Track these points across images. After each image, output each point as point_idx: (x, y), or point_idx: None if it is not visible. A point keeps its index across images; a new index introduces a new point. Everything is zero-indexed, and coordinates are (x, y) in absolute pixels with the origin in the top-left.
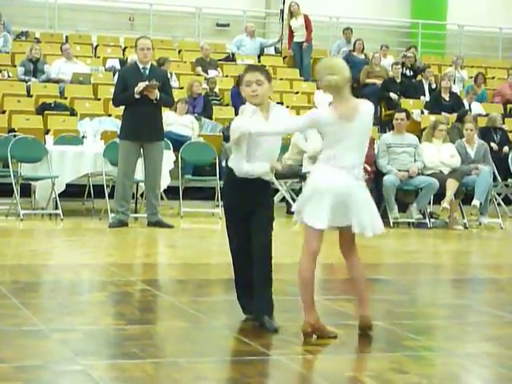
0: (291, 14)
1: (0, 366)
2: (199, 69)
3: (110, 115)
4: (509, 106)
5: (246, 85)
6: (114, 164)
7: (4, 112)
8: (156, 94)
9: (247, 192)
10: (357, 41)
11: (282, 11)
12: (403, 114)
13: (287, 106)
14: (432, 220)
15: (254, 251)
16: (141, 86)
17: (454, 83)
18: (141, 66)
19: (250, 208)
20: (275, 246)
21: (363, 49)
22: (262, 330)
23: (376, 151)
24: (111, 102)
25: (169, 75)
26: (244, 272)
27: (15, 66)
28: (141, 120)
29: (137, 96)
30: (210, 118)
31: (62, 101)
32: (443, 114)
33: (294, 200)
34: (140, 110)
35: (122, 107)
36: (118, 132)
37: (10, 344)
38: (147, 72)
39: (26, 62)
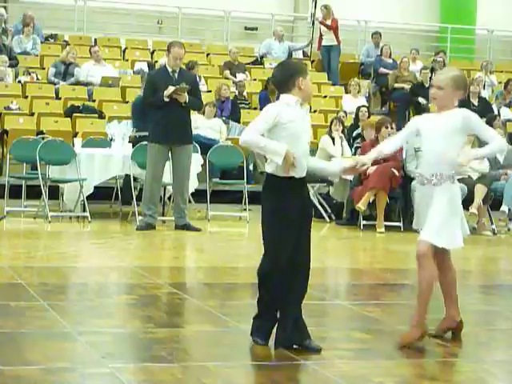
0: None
1: (28, 369)
2: (227, 72)
3: None
4: None
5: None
6: (142, 167)
7: (33, 114)
8: (185, 98)
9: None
10: (384, 46)
11: (313, 14)
12: None
13: (315, 111)
14: None
15: (304, 265)
16: (170, 89)
17: (484, 88)
18: (170, 70)
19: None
20: None
21: (391, 53)
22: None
23: (404, 156)
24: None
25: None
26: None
27: (44, 69)
28: (170, 123)
29: (166, 99)
30: (238, 122)
31: (91, 103)
32: None
33: (321, 204)
34: (169, 113)
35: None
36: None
37: (37, 346)
38: (176, 75)
39: (59, 63)
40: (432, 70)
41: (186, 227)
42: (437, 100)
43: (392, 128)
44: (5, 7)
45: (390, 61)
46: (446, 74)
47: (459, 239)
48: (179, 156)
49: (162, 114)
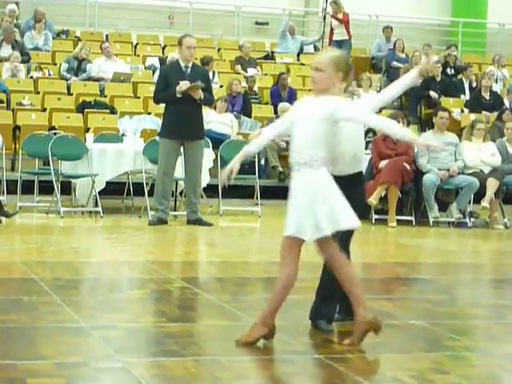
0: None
1: (41, 363)
2: (238, 67)
3: (149, 113)
4: None
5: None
6: (154, 162)
7: (45, 110)
8: (200, 94)
9: None
10: (397, 40)
11: (325, 9)
12: (447, 113)
13: None
14: (472, 219)
15: None
16: (182, 84)
17: (496, 82)
18: (183, 65)
19: None
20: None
21: (403, 48)
22: (301, 329)
23: (416, 150)
24: (152, 99)
25: (211, 74)
26: None
27: (56, 64)
28: (182, 118)
29: (179, 95)
30: (249, 117)
31: (102, 99)
32: (483, 112)
33: None
34: (181, 108)
35: (163, 105)
36: (159, 130)
37: (51, 341)
38: (189, 71)
39: (72, 59)
40: (444, 65)
41: (198, 222)
42: (316, 83)
43: (404, 122)
44: (16, 3)
45: (403, 55)
46: (325, 54)
47: None
48: (191, 151)
49: (174, 109)
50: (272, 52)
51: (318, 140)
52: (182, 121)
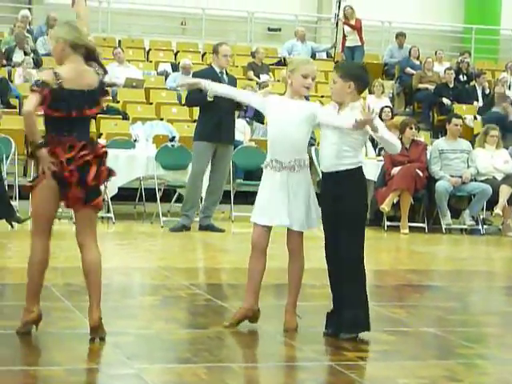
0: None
1: (53, 369)
2: (251, 73)
3: (161, 119)
4: None
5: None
6: (166, 168)
7: None
8: None
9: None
10: (412, 47)
11: (337, 15)
12: (461, 120)
13: None
14: (485, 226)
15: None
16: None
17: (509, 89)
18: (218, 71)
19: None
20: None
21: (419, 55)
22: (313, 336)
23: (428, 157)
24: (184, 102)
25: None
26: None
27: None
28: (217, 121)
29: (210, 99)
30: (262, 123)
31: (115, 105)
32: None
33: None
34: (216, 112)
35: (174, 111)
36: (170, 136)
37: (62, 347)
38: (225, 77)
39: None
40: (457, 71)
41: (210, 228)
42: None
43: (416, 129)
44: (29, 9)
45: (418, 62)
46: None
47: None
48: (222, 156)
49: (210, 113)
50: (284, 58)
51: (304, 142)
52: (217, 124)
